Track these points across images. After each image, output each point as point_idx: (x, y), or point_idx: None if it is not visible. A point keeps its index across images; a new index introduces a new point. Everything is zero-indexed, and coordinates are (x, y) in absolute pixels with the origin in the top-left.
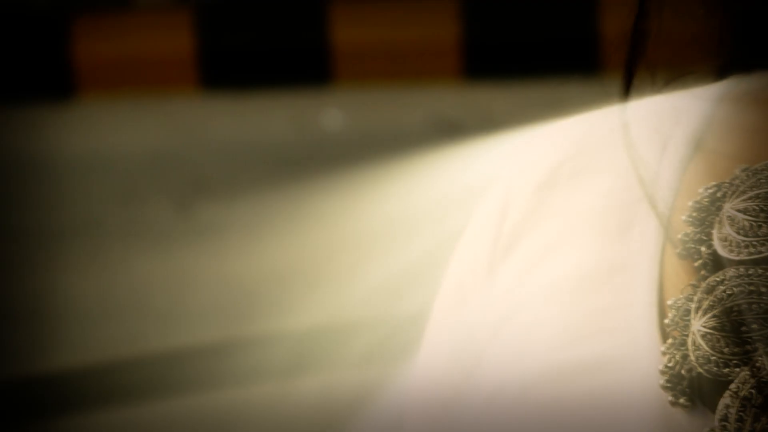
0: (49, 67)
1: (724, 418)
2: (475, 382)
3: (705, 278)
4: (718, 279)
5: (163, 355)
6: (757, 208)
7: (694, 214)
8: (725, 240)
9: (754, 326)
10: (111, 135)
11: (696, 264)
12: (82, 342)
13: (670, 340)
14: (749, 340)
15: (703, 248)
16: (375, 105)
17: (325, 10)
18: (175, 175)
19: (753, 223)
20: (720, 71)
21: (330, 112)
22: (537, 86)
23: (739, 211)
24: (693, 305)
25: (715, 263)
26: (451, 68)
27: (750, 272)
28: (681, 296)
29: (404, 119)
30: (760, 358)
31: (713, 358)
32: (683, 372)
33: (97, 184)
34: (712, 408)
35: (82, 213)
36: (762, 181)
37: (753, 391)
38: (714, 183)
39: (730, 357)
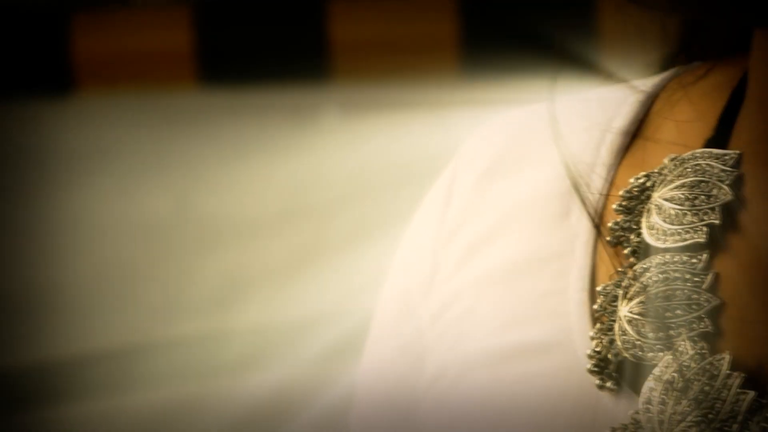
0: (48, 63)
1: (648, 401)
2: (419, 367)
3: (633, 265)
4: (644, 266)
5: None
6: (682, 196)
7: (624, 203)
8: (653, 228)
9: (678, 312)
10: (110, 130)
11: (626, 251)
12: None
13: (598, 325)
14: (673, 325)
15: (632, 236)
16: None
17: (324, 6)
18: (173, 170)
19: (678, 212)
20: (660, 63)
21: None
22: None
23: (666, 200)
24: (621, 291)
25: (644, 251)
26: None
27: (675, 259)
28: (610, 283)
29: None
30: (682, 343)
31: (638, 342)
32: (610, 356)
33: (96, 178)
34: (638, 391)
35: (80, 206)
36: (688, 170)
37: (675, 375)
38: (644, 173)
39: (655, 342)
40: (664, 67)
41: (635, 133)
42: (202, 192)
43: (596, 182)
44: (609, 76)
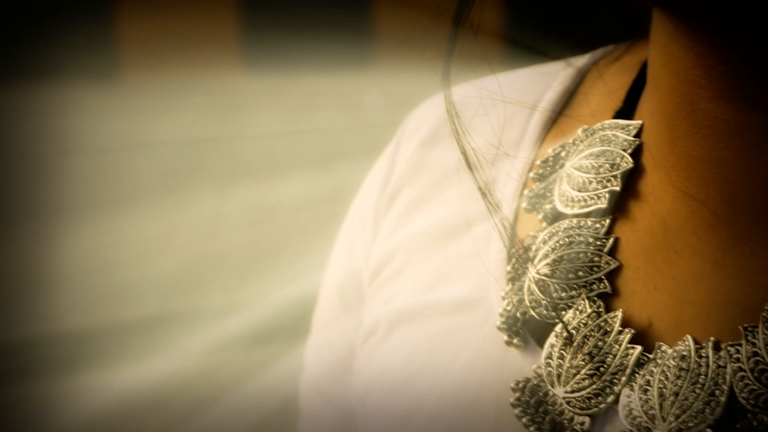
0: (94, 46)
1: (549, 356)
2: (357, 322)
3: (544, 230)
4: (553, 230)
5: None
6: (589, 165)
7: (540, 171)
8: (563, 195)
9: (580, 273)
10: (154, 113)
11: (539, 217)
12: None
13: (509, 286)
14: (575, 286)
15: (545, 203)
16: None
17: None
18: (216, 155)
19: (585, 180)
20: (589, 42)
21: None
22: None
23: (575, 168)
24: (531, 254)
25: (555, 216)
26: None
27: (581, 224)
28: (522, 246)
29: None
30: (582, 302)
31: (544, 302)
32: (518, 315)
33: (139, 162)
34: (543, 347)
35: (123, 190)
36: (596, 140)
37: (573, 331)
38: (561, 143)
39: (558, 301)
40: (593, 46)
41: (564, 106)
42: (244, 178)
43: (524, 152)
44: (546, 54)
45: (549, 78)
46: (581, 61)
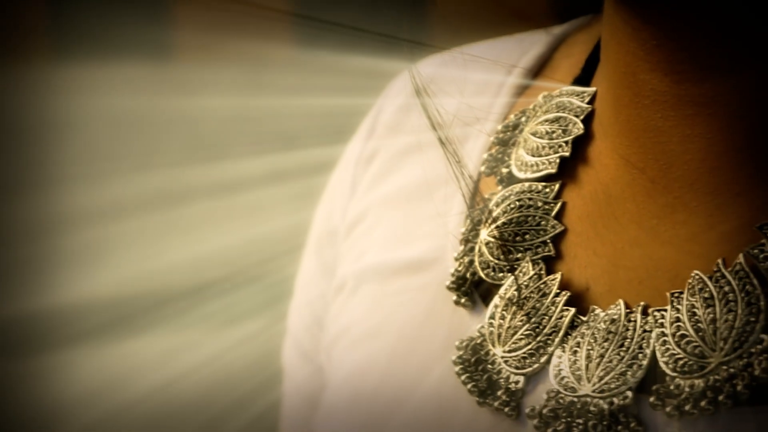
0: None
1: (492, 317)
2: (332, 276)
3: (498, 193)
4: (506, 194)
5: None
6: (543, 130)
7: (500, 136)
8: (519, 160)
9: (527, 236)
10: (205, 92)
11: (496, 180)
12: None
13: (462, 247)
14: (521, 249)
15: (502, 166)
16: None
17: None
18: (265, 133)
19: (539, 145)
20: (564, 13)
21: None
22: None
23: (532, 133)
24: (484, 217)
25: (510, 180)
26: None
27: (532, 188)
28: (477, 208)
29: None
30: (525, 265)
31: (492, 263)
32: (468, 275)
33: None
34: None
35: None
36: (553, 106)
37: (516, 293)
38: (522, 109)
39: (505, 263)
40: (570, 16)
41: (536, 73)
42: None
43: (494, 116)
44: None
45: (527, 45)
46: (560, 29)
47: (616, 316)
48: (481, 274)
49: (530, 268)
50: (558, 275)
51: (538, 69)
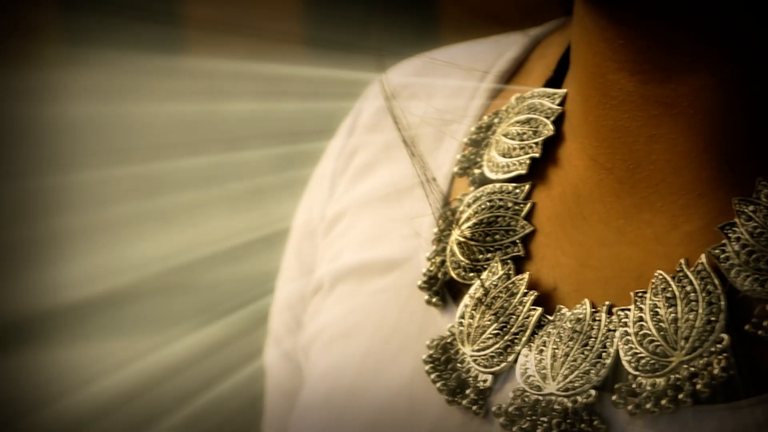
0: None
1: (462, 316)
2: (310, 275)
3: (470, 193)
4: (478, 194)
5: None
6: (515, 132)
7: (473, 137)
8: (490, 161)
9: (497, 236)
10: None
11: (469, 181)
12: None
13: (434, 247)
14: (492, 249)
15: (475, 167)
16: None
17: None
18: (275, 130)
19: (510, 146)
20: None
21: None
22: None
23: (503, 135)
24: (456, 217)
25: (482, 181)
26: None
27: (502, 189)
28: (449, 208)
29: None
30: (495, 265)
31: (463, 263)
32: (439, 275)
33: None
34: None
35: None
36: (524, 107)
37: (484, 293)
38: (495, 110)
39: (475, 263)
40: (545, 20)
41: (512, 75)
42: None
43: (469, 118)
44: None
45: (503, 47)
46: (536, 30)
47: (581, 316)
48: (452, 274)
49: (500, 268)
50: (526, 275)
51: (514, 71)
